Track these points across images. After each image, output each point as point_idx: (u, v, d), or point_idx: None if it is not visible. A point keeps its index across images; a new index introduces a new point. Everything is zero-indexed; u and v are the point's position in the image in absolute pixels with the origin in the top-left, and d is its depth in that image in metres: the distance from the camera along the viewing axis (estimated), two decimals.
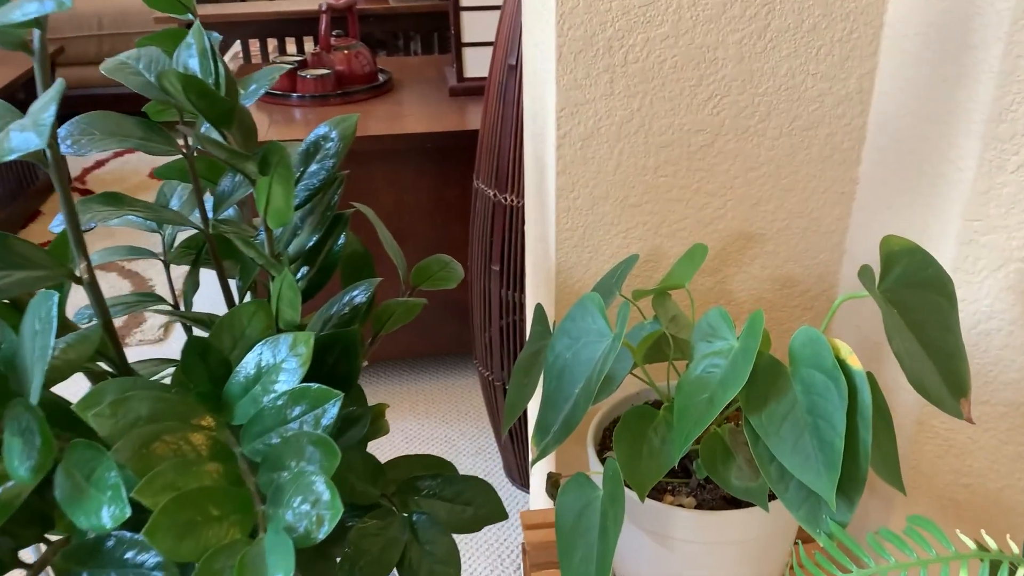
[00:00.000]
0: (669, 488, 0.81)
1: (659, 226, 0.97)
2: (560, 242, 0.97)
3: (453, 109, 1.92)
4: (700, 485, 0.81)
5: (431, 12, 2.53)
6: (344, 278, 0.85)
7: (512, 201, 1.40)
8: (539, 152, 0.98)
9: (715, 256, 1.00)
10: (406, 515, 0.74)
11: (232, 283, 0.86)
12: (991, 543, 0.57)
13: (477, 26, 1.94)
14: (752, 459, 0.73)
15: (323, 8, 1.99)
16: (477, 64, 1.99)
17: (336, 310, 0.78)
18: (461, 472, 0.77)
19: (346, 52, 2.04)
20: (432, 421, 1.97)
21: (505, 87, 1.36)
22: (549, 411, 0.74)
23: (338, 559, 0.68)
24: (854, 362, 0.65)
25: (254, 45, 2.65)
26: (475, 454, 1.87)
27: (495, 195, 1.41)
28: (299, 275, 0.77)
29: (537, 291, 1.11)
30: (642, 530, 0.79)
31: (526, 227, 1.15)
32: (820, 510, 0.66)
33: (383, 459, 0.79)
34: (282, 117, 1.91)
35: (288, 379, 0.56)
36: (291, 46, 2.60)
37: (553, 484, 0.82)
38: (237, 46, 2.66)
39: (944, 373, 0.72)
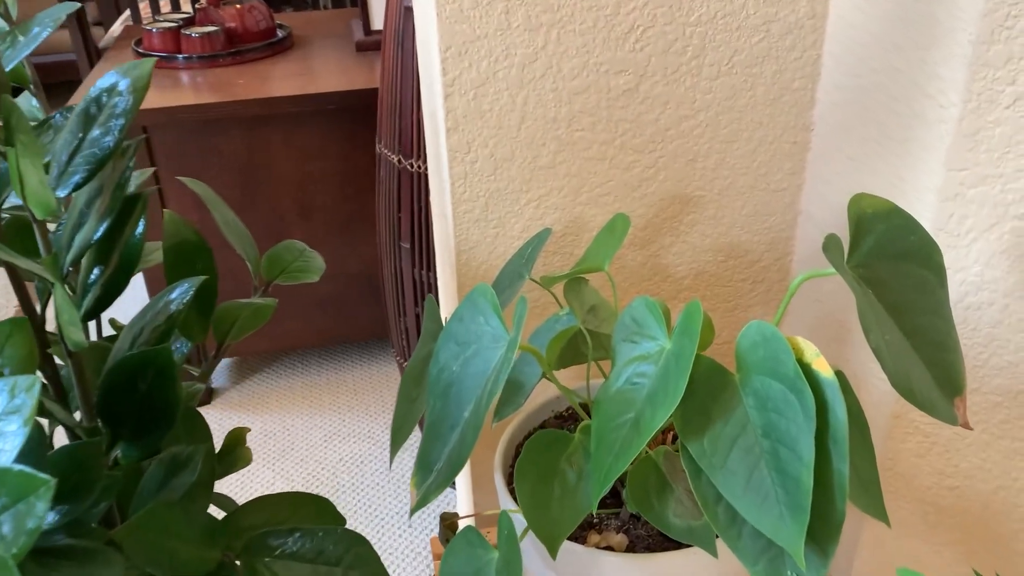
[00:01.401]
0: (594, 523, 0.64)
1: (578, 191, 0.79)
2: (459, 216, 0.79)
3: (360, 65, 1.71)
4: (633, 517, 0.64)
5: None
6: (171, 275, 0.66)
7: (418, 167, 1.22)
8: (432, 106, 0.80)
9: (646, 225, 0.83)
10: None
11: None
12: None
13: None
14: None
15: None
16: None
17: (149, 320, 0.60)
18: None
19: (238, 7, 1.81)
20: (354, 415, 1.79)
21: (403, 33, 1.16)
22: (433, 444, 0.57)
23: None
24: (822, 367, 0.49)
25: (145, 9, 2.40)
26: (402, 451, 1.70)
27: (399, 160, 1.23)
28: (92, 277, 0.58)
29: (444, 276, 0.93)
30: None
31: (431, 199, 0.97)
32: (784, 565, 0.50)
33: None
34: (167, 82, 1.69)
35: (6, 447, 0.38)
36: (186, 5, 2.35)
37: (449, 528, 0.65)
38: (128, 12, 2.41)
39: (933, 368, 0.56)
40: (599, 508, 0.65)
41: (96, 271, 0.58)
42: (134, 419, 0.58)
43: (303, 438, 1.72)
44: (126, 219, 0.57)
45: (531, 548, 0.62)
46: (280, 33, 1.86)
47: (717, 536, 0.57)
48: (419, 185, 1.23)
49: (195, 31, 1.74)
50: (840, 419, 0.48)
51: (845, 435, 0.48)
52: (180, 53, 1.75)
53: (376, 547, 1.48)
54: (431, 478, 0.56)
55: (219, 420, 1.78)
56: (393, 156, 1.24)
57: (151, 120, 1.56)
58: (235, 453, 0.74)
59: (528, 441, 0.56)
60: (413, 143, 1.20)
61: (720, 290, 0.88)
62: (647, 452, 0.58)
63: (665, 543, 0.63)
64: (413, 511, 0.56)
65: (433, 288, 1.32)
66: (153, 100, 1.58)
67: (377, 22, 1.78)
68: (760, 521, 0.48)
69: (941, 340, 0.57)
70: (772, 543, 0.50)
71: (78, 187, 0.54)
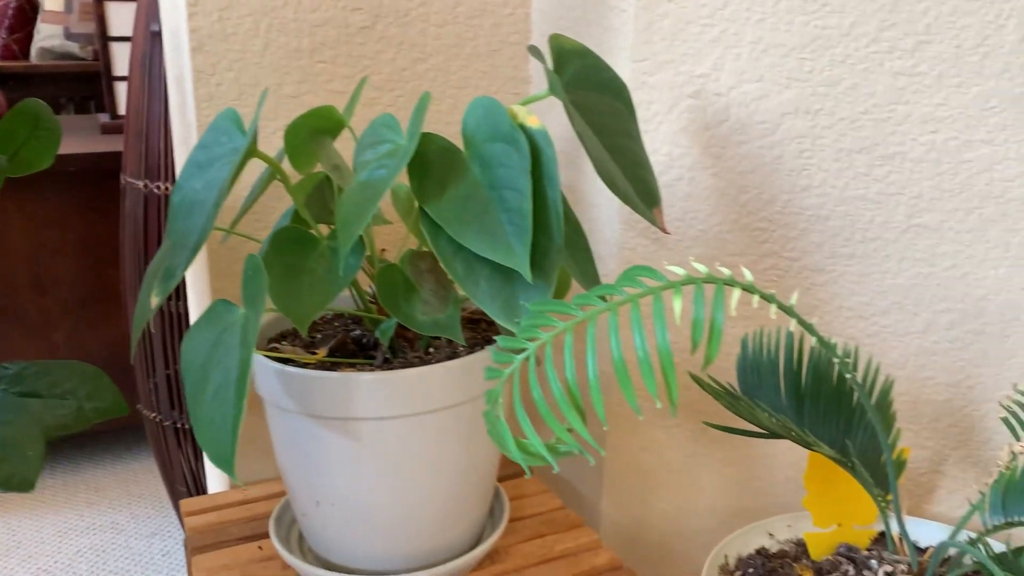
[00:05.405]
0: (350, 369, 0.66)
1: None
2: None
3: (105, 140, 1.69)
4: (386, 361, 0.66)
5: (82, 73, 2.29)
6: None
7: (166, 189, 1.21)
8: (174, 26, 0.83)
9: None
10: None
11: None
12: (700, 268, 0.49)
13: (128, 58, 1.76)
14: (438, 288, 0.61)
15: None
16: None
17: None
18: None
19: None
20: (95, 511, 1.62)
21: (150, 58, 1.19)
22: (177, 254, 0.57)
23: None
24: (533, 121, 0.56)
25: None
26: (150, 536, 1.55)
27: (146, 185, 1.22)
28: None
29: None
30: (314, 420, 0.62)
31: (174, 136, 0.95)
32: (516, 298, 0.54)
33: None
34: None
35: None
36: None
37: None
38: None
39: (634, 183, 0.66)
40: (353, 357, 0.67)
41: None
42: None
43: (31, 536, 1.52)
44: None
45: (278, 384, 0.62)
46: None
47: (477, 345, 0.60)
48: (167, 209, 1.22)
49: None
50: (549, 157, 0.55)
51: (555, 171, 0.55)
52: None
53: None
54: (173, 280, 0.55)
55: None
56: (139, 182, 1.23)
57: None
58: None
59: (272, 236, 0.58)
60: (160, 165, 1.21)
61: None
62: (394, 262, 0.62)
63: None
64: (156, 308, 0.55)
65: (185, 322, 1.28)
66: None
67: (124, 107, 1.78)
68: (494, 254, 0.53)
69: (638, 160, 0.67)
70: (506, 281, 0.54)
71: None
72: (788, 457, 0.85)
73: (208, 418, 0.47)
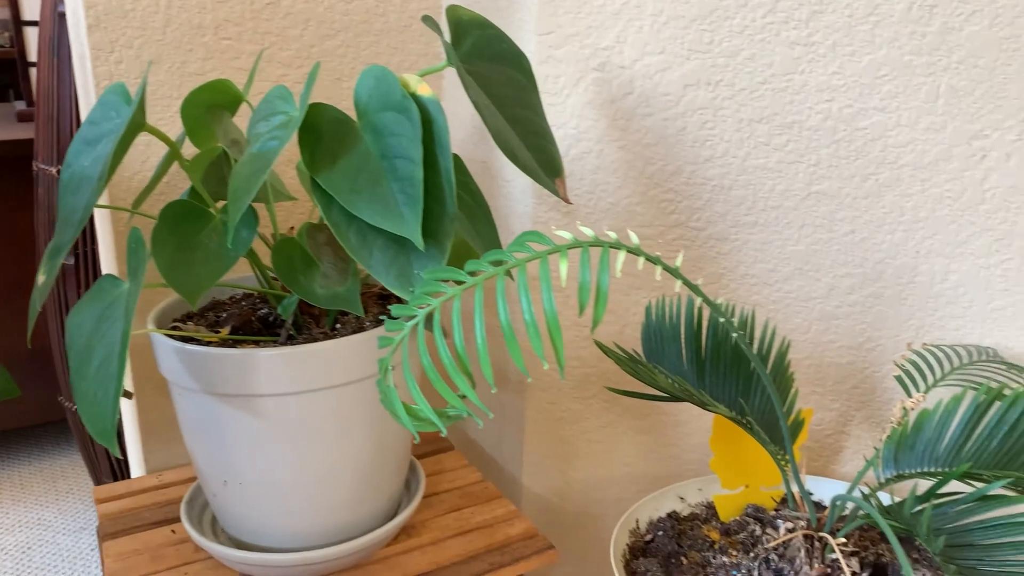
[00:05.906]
0: (253, 346, 0.65)
1: None
2: None
3: (21, 128, 1.64)
4: (291, 337, 0.66)
5: (0, 60, 2.22)
6: None
7: None
8: (74, 3, 0.80)
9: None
10: None
11: None
12: (587, 232, 0.49)
13: None
14: (337, 261, 0.61)
15: None
16: None
17: None
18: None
19: None
20: (20, 506, 1.58)
21: (58, 41, 1.16)
22: (65, 230, 0.56)
23: None
24: (424, 90, 0.56)
25: None
26: (78, 531, 1.52)
27: (58, 171, 1.19)
28: None
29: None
30: (216, 398, 0.61)
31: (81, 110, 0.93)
32: (410, 267, 0.54)
33: None
34: None
35: None
36: None
37: None
38: None
39: (536, 153, 0.66)
40: (258, 335, 0.66)
41: None
42: None
43: None
44: None
45: (179, 363, 0.61)
46: None
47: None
48: None
49: None
50: (441, 126, 0.55)
51: (447, 139, 0.55)
52: None
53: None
54: (59, 256, 0.54)
55: None
56: (52, 168, 1.20)
57: None
58: None
59: (162, 211, 0.57)
60: None
61: None
62: (293, 236, 0.61)
63: None
64: (45, 287, 0.54)
65: None
66: None
67: None
68: (386, 223, 0.53)
69: (538, 131, 0.67)
70: (399, 250, 0.54)
71: None
72: (701, 423, 0.86)
73: (91, 393, 0.47)
